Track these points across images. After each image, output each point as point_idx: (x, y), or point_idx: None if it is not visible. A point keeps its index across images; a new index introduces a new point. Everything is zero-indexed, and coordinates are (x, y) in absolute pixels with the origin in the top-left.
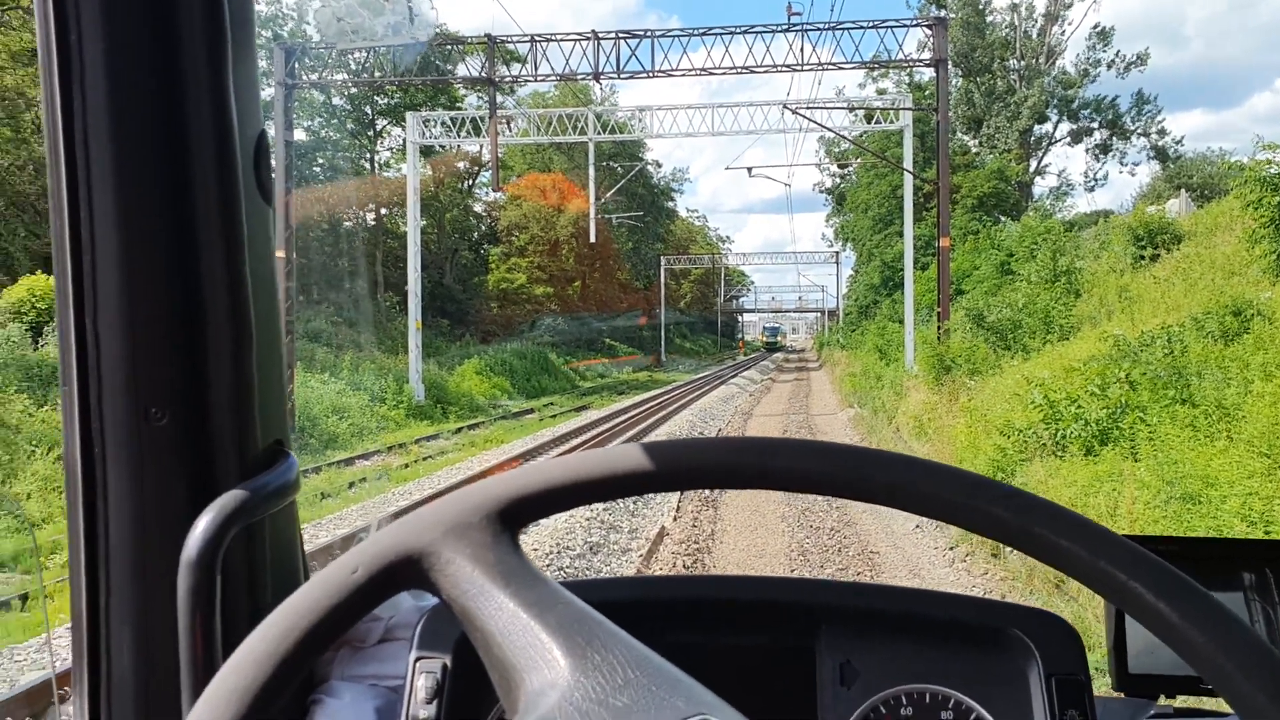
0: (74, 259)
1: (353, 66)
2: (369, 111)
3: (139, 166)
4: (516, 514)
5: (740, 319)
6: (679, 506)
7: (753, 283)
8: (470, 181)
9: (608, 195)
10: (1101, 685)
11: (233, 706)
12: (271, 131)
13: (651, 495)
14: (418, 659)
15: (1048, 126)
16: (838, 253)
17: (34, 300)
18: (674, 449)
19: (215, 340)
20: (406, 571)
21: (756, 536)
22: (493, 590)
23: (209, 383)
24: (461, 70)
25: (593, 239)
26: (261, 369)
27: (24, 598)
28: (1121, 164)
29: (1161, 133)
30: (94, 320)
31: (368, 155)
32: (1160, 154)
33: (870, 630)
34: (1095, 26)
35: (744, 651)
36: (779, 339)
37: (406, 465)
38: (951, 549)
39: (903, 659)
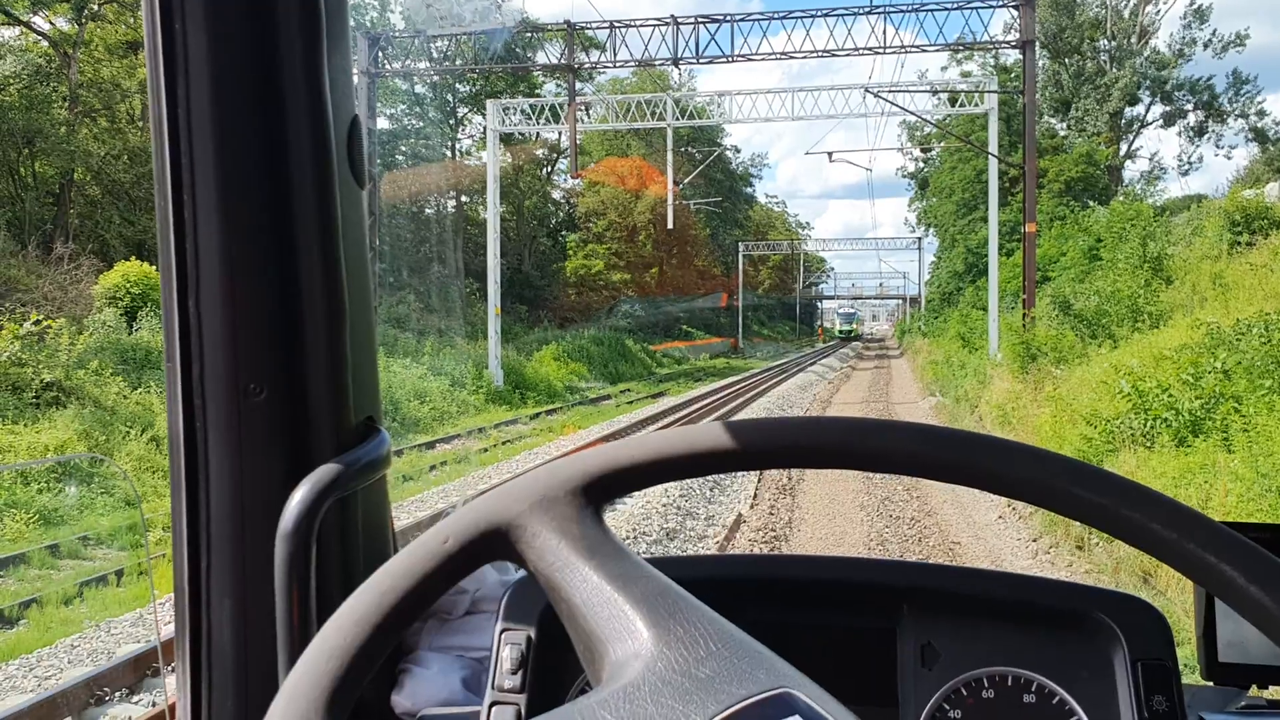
0: (177, 242)
1: (434, 55)
2: (450, 99)
3: (239, 152)
4: (601, 489)
5: (819, 305)
6: (756, 494)
7: (832, 269)
8: (549, 168)
9: (685, 181)
10: (1189, 678)
11: (332, 664)
12: None
13: (729, 482)
14: (503, 630)
15: (1139, 109)
16: (920, 238)
17: (129, 286)
18: (760, 427)
19: (311, 319)
20: (495, 543)
21: (835, 525)
22: (578, 563)
23: (305, 360)
24: (541, 58)
25: (670, 225)
26: (354, 347)
27: (120, 573)
28: (1218, 147)
29: (1261, 114)
30: (196, 300)
31: (449, 143)
32: (1259, 136)
33: (952, 612)
34: (1191, 4)
35: (825, 631)
36: (854, 326)
37: (486, 449)
38: (1034, 540)
39: (985, 641)
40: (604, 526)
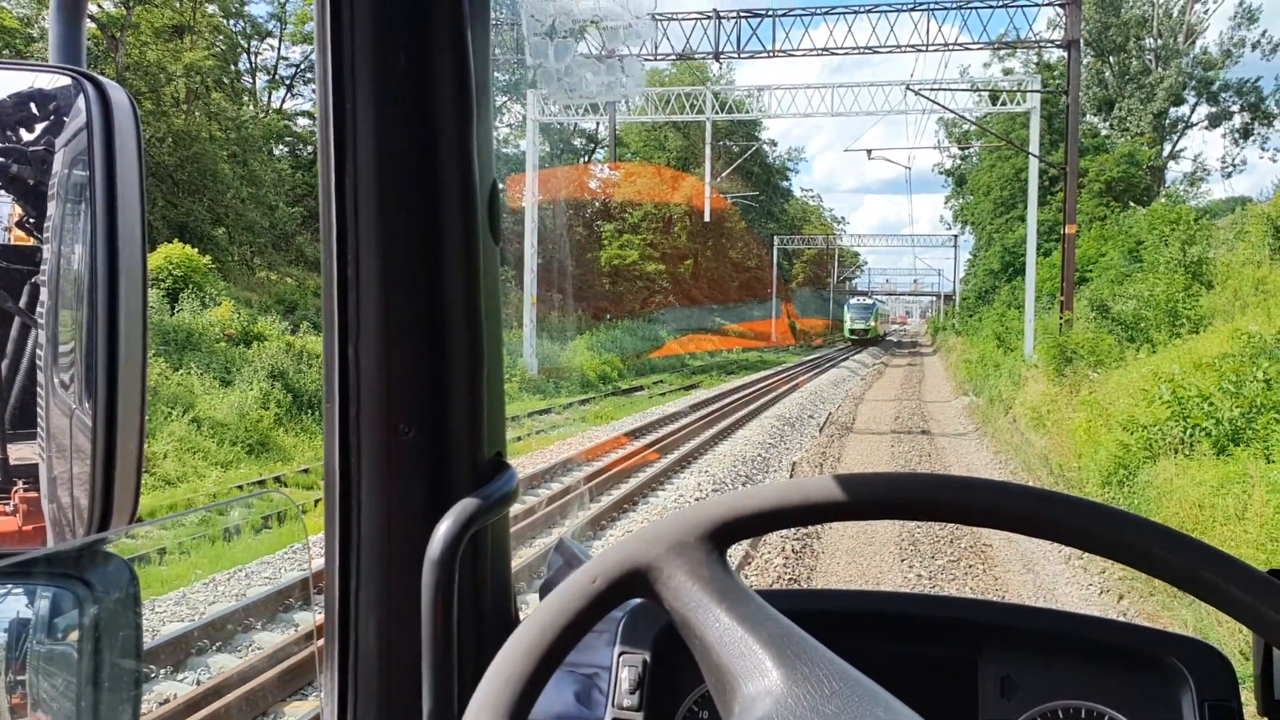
0: (339, 295)
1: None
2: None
3: (398, 216)
4: (726, 535)
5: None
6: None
7: (866, 263)
8: (586, 158)
9: (723, 175)
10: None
11: (509, 690)
12: None
13: (764, 464)
14: (621, 653)
15: (1184, 109)
16: (956, 236)
17: (171, 268)
18: (871, 482)
19: (454, 364)
20: (636, 583)
21: (866, 524)
22: (709, 604)
23: (448, 402)
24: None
25: (706, 217)
26: (488, 388)
27: (162, 552)
28: (1263, 149)
29: None
30: (355, 347)
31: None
32: None
33: (1030, 648)
34: (1240, 4)
35: (911, 661)
36: (872, 324)
37: (520, 439)
38: None
39: (1060, 676)
40: (730, 570)
